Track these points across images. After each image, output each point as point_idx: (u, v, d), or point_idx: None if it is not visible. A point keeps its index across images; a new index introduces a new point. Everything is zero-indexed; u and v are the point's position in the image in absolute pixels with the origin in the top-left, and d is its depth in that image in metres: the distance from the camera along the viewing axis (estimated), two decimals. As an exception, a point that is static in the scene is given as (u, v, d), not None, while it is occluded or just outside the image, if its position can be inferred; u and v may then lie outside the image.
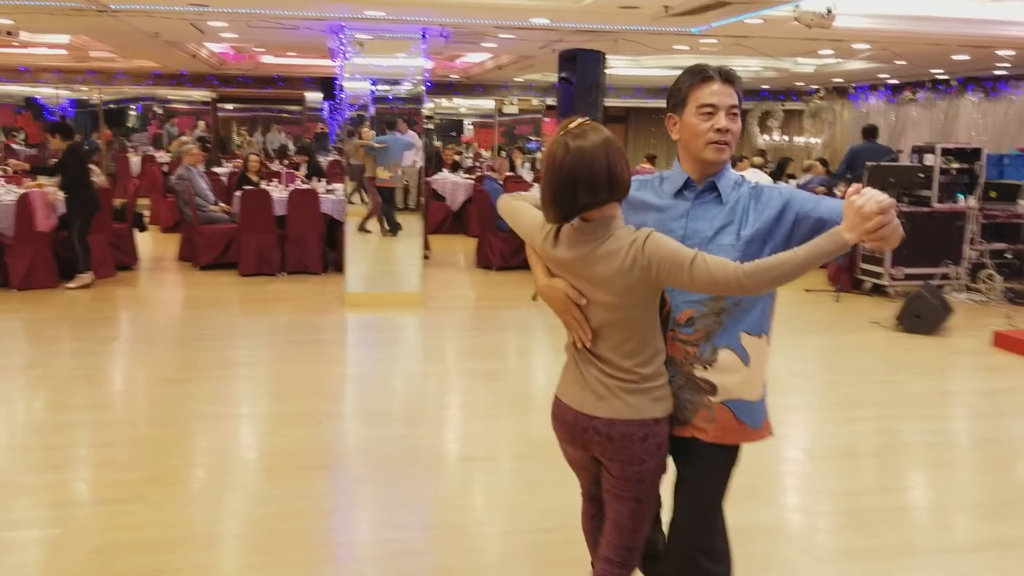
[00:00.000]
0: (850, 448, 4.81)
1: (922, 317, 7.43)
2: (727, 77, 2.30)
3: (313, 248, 9.70)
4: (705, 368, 2.31)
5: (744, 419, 2.38)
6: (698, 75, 2.32)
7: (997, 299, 8.82)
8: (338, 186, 10.33)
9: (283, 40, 11.93)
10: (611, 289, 2.20)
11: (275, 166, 14.70)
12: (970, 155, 9.32)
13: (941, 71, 13.16)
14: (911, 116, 15.07)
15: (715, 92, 2.28)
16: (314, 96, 18.97)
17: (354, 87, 8.45)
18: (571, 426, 2.38)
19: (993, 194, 10.40)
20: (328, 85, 14.17)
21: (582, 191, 2.17)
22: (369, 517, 3.82)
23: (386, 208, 8.94)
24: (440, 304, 8.41)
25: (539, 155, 19.84)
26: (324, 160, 15.74)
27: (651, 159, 15.40)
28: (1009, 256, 9.31)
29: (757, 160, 13.32)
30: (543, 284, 2.39)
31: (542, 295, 2.40)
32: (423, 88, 8.57)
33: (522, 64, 13.94)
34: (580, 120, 2.24)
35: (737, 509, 3.90)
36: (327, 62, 13.26)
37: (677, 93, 2.36)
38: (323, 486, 4.13)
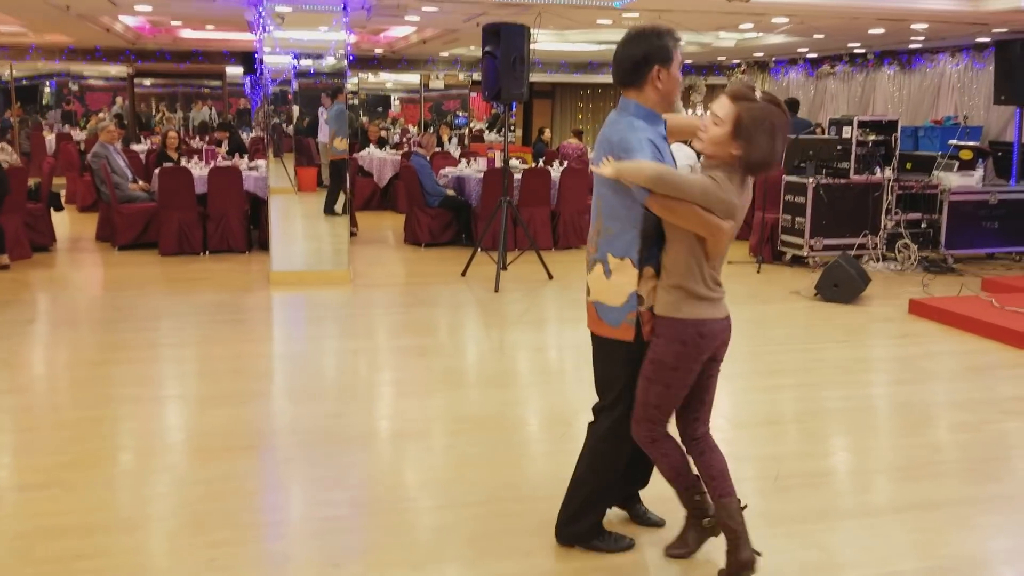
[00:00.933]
0: (772, 415, 4.93)
1: (840, 286, 7.65)
2: None
3: (236, 226, 9.49)
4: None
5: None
6: (676, 40, 2.97)
7: (912, 268, 9.12)
8: (261, 163, 10.11)
9: (200, 12, 11.58)
10: None
11: (196, 143, 14.30)
12: (886, 127, 9.58)
13: (858, 45, 13.48)
14: (830, 89, 15.42)
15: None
16: (235, 71, 18.50)
17: (275, 62, 8.25)
18: (725, 333, 3.04)
19: (908, 165, 10.73)
20: (249, 60, 13.82)
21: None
22: (298, 495, 3.77)
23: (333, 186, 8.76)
24: (368, 281, 8.32)
25: (466, 131, 19.79)
26: (246, 136, 15.39)
27: (578, 134, 15.45)
28: (924, 226, 9.63)
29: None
30: (728, 227, 2.89)
31: (725, 234, 2.89)
32: (346, 63, 8.41)
33: (447, 38, 13.80)
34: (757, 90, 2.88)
35: (663, 480, 3.96)
36: (248, 36, 12.93)
37: (664, 50, 2.91)
38: (251, 466, 4.06)
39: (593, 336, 3.17)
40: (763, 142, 2.79)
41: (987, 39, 11.35)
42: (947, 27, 10.16)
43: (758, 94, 2.84)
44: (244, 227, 9.57)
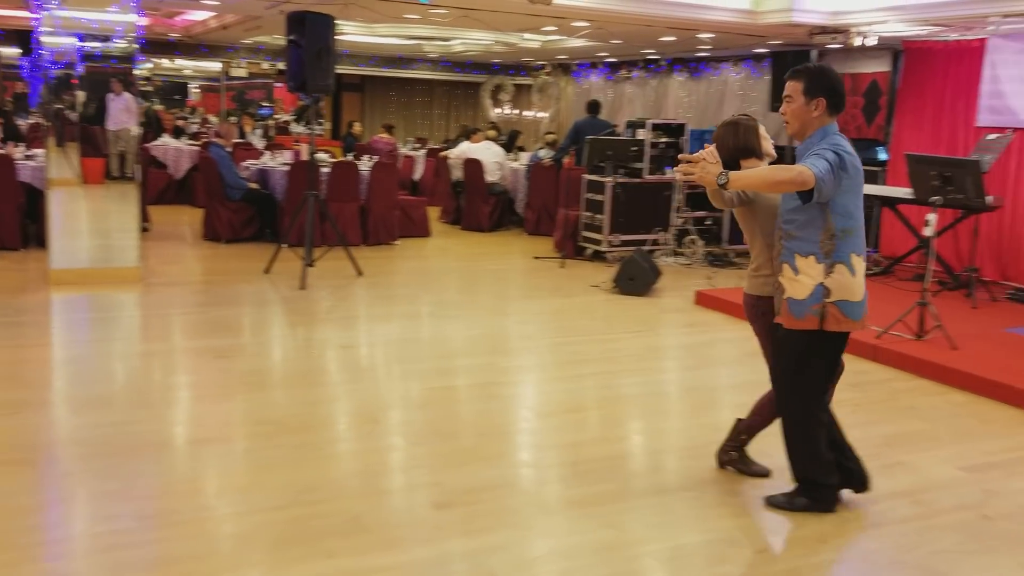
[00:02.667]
0: (574, 403, 5.13)
1: (635, 280, 8.06)
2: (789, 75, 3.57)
3: (9, 220, 8.72)
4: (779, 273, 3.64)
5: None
6: None
7: (699, 262, 9.75)
8: (39, 151, 9.35)
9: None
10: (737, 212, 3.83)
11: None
12: (676, 130, 10.17)
13: (652, 51, 14.20)
14: (627, 93, 16.16)
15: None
16: (11, 51, 16.96)
17: (57, 42, 7.65)
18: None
19: (696, 166, 11.39)
20: (27, 39, 12.74)
21: None
22: (81, 511, 3.54)
23: None
24: (163, 280, 7.91)
25: (271, 122, 19.16)
26: (23, 123, 14.18)
27: (388, 129, 15.34)
28: (709, 223, 10.32)
29: (491, 133, 13.71)
30: None
31: None
32: (136, 46, 7.93)
33: (249, 25, 13.29)
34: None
35: (470, 469, 4.05)
36: (24, 13, 11.90)
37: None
38: (26, 481, 3.76)
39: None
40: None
41: (764, 50, 12.29)
42: (729, 38, 10.91)
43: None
44: (18, 221, 8.81)
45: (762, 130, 3.77)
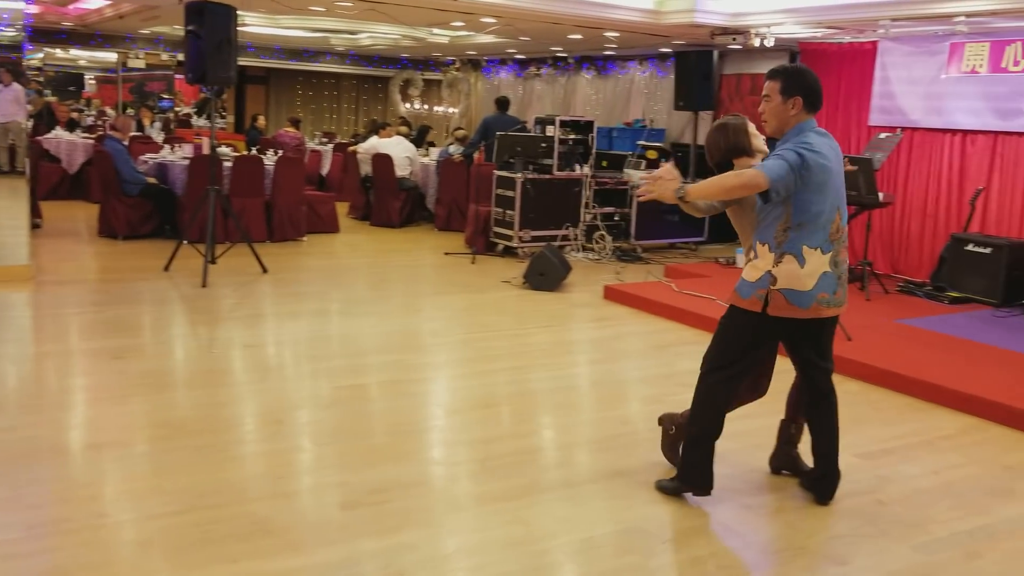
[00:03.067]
0: (484, 400, 5.14)
1: (546, 275, 8.12)
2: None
3: None
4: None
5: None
6: None
7: (608, 257, 9.89)
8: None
9: None
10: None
11: None
12: (584, 127, 10.29)
13: (560, 49, 14.33)
14: (536, 90, 16.27)
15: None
16: None
17: (-64, 29, 7.25)
18: None
19: (604, 163, 11.58)
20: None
21: None
22: (-33, 522, 3.37)
23: None
24: (55, 278, 7.58)
25: (171, 115, 18.55)
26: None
27: (295, 123, 15.06)
28: (617, 219, 10.47)
29: (402, 128, 13.60)
30: None
31: None
32: (24, 34, 7.57)
33: (146, 15, 12.85)
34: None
35: (379, 468, 4.01)
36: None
37: None
38: (-94, 493, 3.56)
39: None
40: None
41: (668, 50, 12.54)
42: (635, 37, 11.09)
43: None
44: (-101, 218, 8.33)
45: (751, 128, 3.85)
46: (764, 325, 3.67)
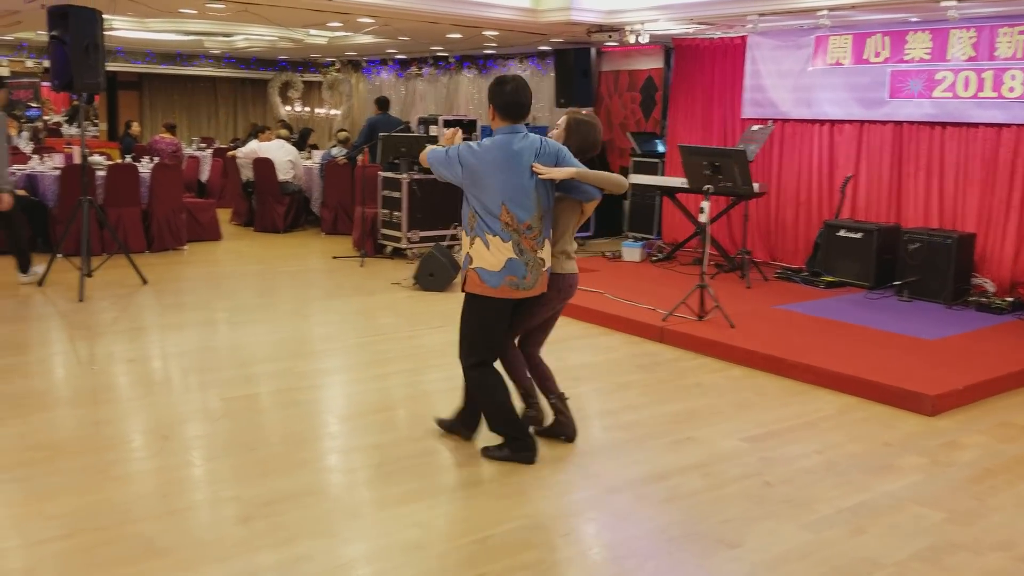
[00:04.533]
0: (379, 404, 5.11)
1: (435, 275, 8.13)
2: None
3: None
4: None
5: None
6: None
7: (498, 255, 9.95)
8: None
9: None
10: None
11: None
12: (468, 126, 10.33)
13: (441, 48, 14.33)
14: (419, 89, 16.22)
15: None
16: None
17: None
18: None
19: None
20: None
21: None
22: None
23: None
24: (-85, 300, 7.13)
25: (40, 124, 17.65)
26: None
27: (170, 128, 14.54)
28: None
29: (282, 131, 13.33)
30: None
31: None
32: None
33: (7, 20, 12.17)
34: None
35: (273, 480, 3.95)
36: None
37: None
38: None
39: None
40: (574, 140, 4.28)
41: (548, 48, 12.72)
42: (514, 36, 11.20)
43: (584, 111, 4.39)
44: None
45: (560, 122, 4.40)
46: (472, 303, 4.28)
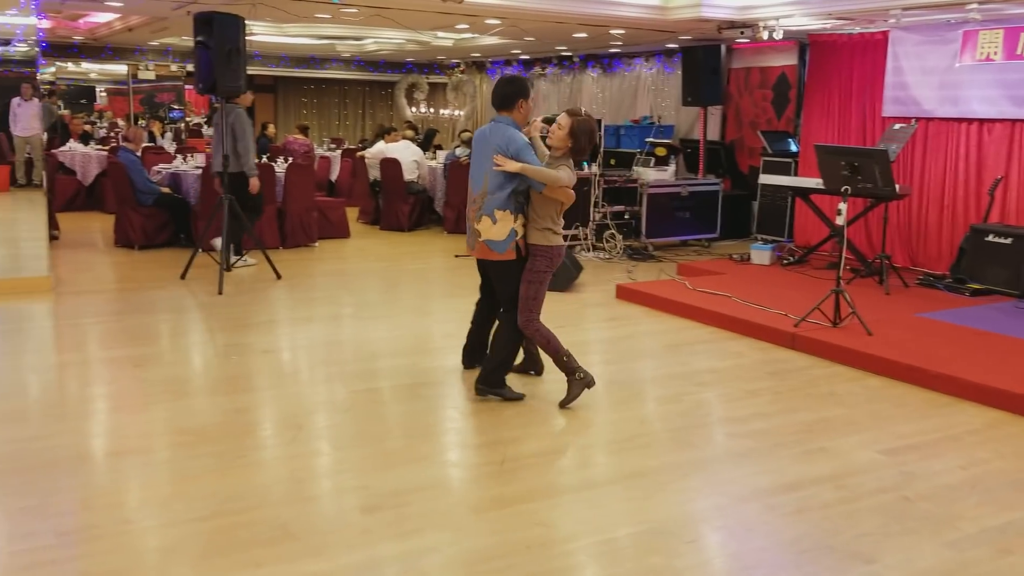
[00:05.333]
0: (498, 401, 5.13)
1: (556, 275, 8.05)
2: None
3: (-94, 232, 8.32)
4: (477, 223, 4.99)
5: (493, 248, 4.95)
6: (532, 83, 5.08)
7: (619, 256, 9.88)
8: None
9: None
10: None
11: None
12: (593, 126, 10.25)
13: (565, 48, 14.32)
14: (542, 89, 16.25)
15: None
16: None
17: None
18: (564, 253, 5.18)
19: (612, 161, 11.58)
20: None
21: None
22: (-6, 533, 3.39)
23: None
24: (74, 288, 7.63)
25: (182, 125, 18.66)
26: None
27: (303, 130, 15.09)
28: (627, 217, 10.46)
29: (408, 132, 13.62)
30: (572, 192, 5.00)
31: (572, 196, 4.97)
32: (38, 50, 7.63)
33: (155, 26, 12.92)
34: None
35: (397, 471, 4.02)
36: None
37: (526, 89, 5.01)
38: (-68, 506, 3.59)
39: (489, 263, 5.03)
40: (583, 140, 4.86)
41: (675, 46, 12.51)
42: (641, 34, 11.07)
43: (583, 111, 4.91)
44: (-84, 233, 8.42)
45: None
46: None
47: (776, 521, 3.65)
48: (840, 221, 6.38)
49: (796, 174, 10.11)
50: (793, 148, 10.82)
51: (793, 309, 6.80)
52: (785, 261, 9.29)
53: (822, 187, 8.38)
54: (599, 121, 10.42)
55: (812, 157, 8.71)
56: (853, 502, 3.83)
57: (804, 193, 9.20)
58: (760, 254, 9.31)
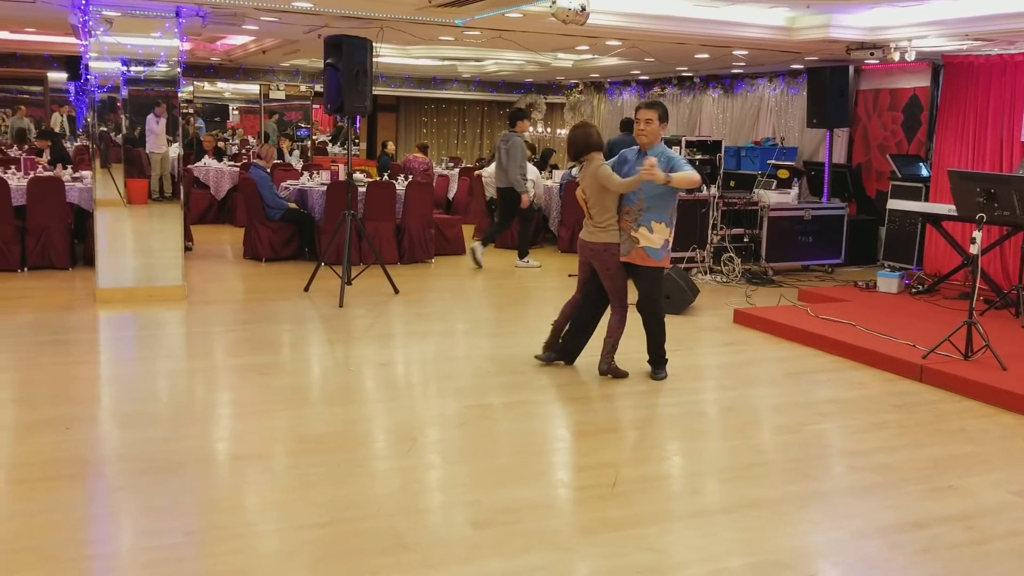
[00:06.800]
0: (611, 423, 5.11)
1: (671, 298, 8.00)
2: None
3: (58, 241, 8.93)
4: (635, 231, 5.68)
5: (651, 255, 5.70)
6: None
7: (737, 280, 9.68)
8: (86, 173, 9.55)
9: (18, 14, 10.83)
10: (588, 189, 5.77)
11: (14, 152, 13.36)
12: (711, 147, 10.13)
13: (686, 69, 14.18)
14: (662, 111, 16.11)
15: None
16: (58, 76, 17.36)
17: (102, 67, 7.84)
18: (581, 248, 5.92)
19: (732, 183, 11.37)
20: (74, 65, 13.03)
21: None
22: (127, 526, 3.59)
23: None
24: (205, 298, 8.02)
25: (309, 143, 19.40)
26: (70, 146, 14.50)
27: (423, 148, 15.46)
28: (747, 240, 10.24)
29: (526, 152, 13.72)
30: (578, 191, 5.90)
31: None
32: (179, 71, 8.09)
33: (287, 49, 13.51)
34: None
35: (508, 488, 4.04)
36: (72, 40, 12.20)
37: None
38: (74, 496, 3.83)
39: (641, 268, 5.75)
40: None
41: (800, 66, 12.21)
42: (765, 54, 10.86)
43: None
44: (67, 241, 9.02)
45: None
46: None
47: (899, 559, 3.49)
48: (974, 250, 6.08)
49: (927, 199, 9.69)
50: (924, 173, 10.39)
51: (922, 340, 6.50)
52: (914, 290, 8.89)
53: (955, 214, 8.00)
54: (719, 142, 10.29)
55: (945, 182, 8.33)
56: (983, 544, 3.62)
57: (935, 220, 8.81)
58: (887, 282, 8.95)
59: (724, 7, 8.68)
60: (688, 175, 5.52)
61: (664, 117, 5.65)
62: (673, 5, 8.72)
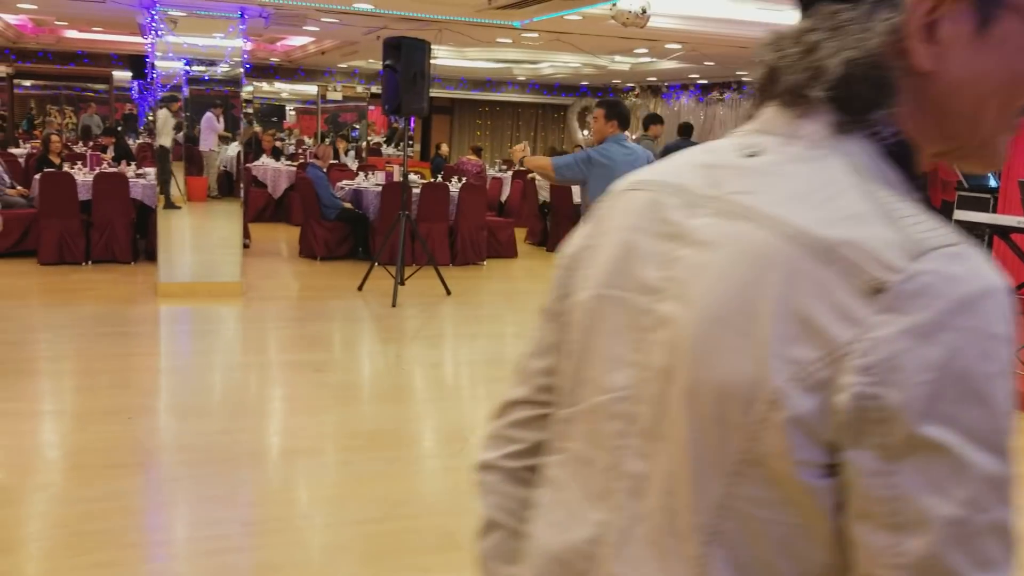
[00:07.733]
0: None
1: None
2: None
3: (122, 235, 9.14)
4: None
5: None
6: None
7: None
8: (149, 170, 9.78)
9: (88, 13, 11.15)
10: None
11: (79, 148, 13.73)
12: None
13: (745, 73, 14.04)
14: (719, 115, 15.99)
15: None
16: (122, 75, 17.83)
17: (166, 67, 8.02)
18: None
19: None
20: (138, 64, 13.35)
21: None
22: (185, 515, 3.66)
23: None
24: (261, 294, 8.15)
25: (364, 144, 19.62)
26: (133, 143, 14.86)
27: (477, 151, 15.52)
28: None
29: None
30: None
31: None
32: (241, 71, 8.24)
33: (346, 50, 13.69)
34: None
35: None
36: (137, 39, 12.50)
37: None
38: (135, 484, 3.92)
39: None
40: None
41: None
42: (827, 60, 10.69)
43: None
44: (130, 236, 9.24)
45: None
46: None
47: None
48: (1043, 262, 5.90)
49: (995, 211, 9.44)
50: (993, 183, 10.12)
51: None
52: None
53: (1024, 225, 7.78)
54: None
55: (1015, 193, 8.10)
56: None
57: (1004, 232, 8.57)
58: (947, 293, 8.73)
59: (788, 10, 8.57)
60: (536, 159, 5.66)
61: (611, 116, 5.45)
62: (736, 8, 8.63)
